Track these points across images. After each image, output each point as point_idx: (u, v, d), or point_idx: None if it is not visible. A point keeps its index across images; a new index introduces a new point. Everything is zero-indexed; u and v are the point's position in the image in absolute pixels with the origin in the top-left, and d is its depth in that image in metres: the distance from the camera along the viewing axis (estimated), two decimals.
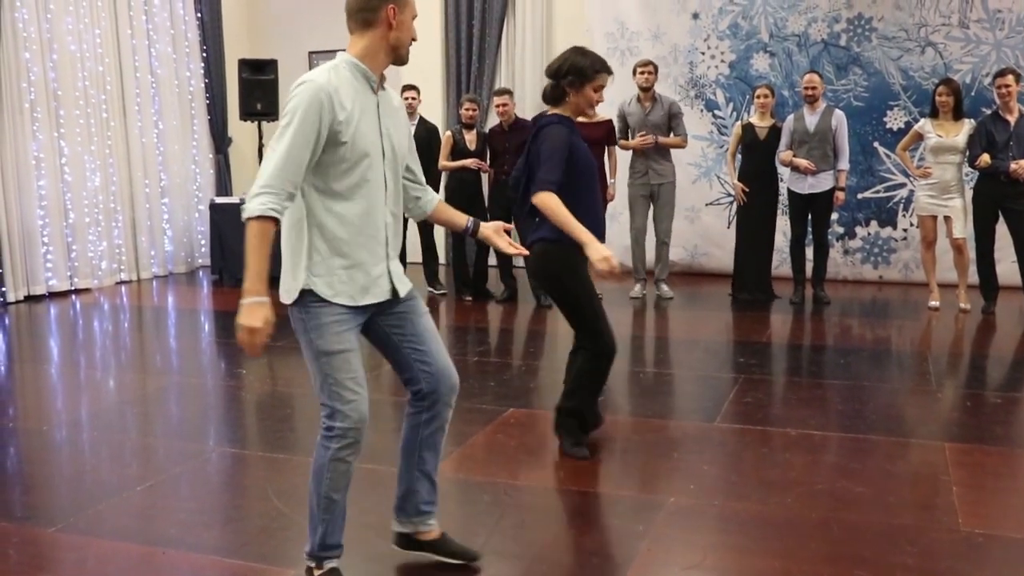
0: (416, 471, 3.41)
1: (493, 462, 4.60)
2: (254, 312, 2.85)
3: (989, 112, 7.97)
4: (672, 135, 8.59)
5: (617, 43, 10.18)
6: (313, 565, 3.23)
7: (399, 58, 3.25)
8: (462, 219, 3.56)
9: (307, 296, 3.04)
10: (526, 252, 3.90)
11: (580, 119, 8.54)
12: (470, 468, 4.52)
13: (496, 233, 3.54)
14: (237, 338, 2.88)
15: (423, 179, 3.54)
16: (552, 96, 4.45)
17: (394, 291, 3.20)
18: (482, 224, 3.54)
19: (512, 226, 3.66)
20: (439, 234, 9.94)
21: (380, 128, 3.15)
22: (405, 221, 3.67)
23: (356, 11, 3.12)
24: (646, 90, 8.51)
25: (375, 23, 3.11)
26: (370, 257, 3.12)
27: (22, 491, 4.35)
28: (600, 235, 4.32)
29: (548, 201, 4.21)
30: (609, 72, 4.41)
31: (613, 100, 8.98)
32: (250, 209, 2.86)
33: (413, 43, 3.26)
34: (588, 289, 4.51)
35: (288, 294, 3.07)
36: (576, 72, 4.28)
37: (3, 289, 8.83)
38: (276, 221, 2.89)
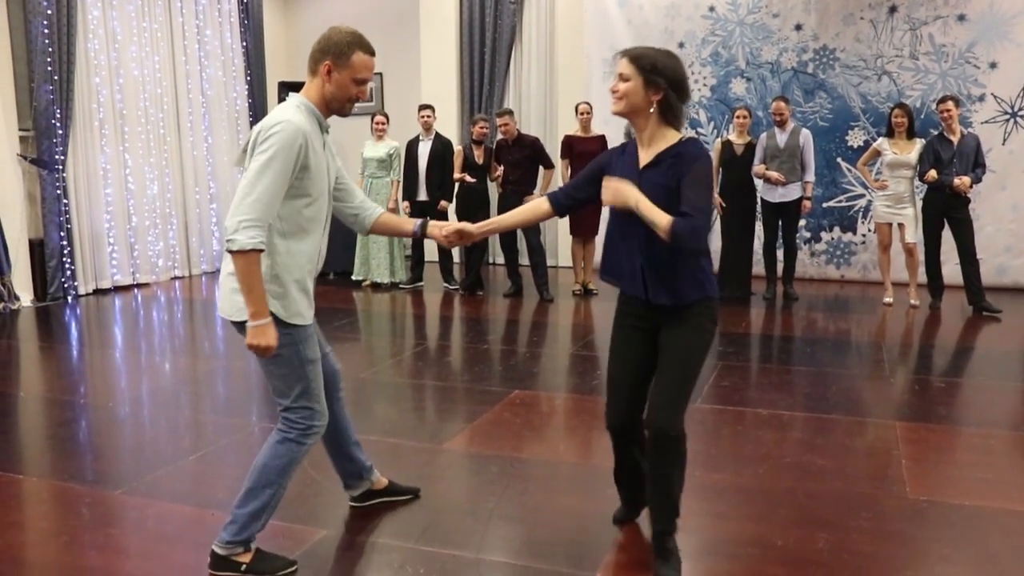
0: (346, 447, 3.57)
1: (500, 437, 4.61)
2: (267, 331, 2.87)
3: (936, 133, 7.95)
4: None
5: (612, 68, 10.12)
6: (242, 550, 3.13)
7: (337, 111, 3.12)
8: (408, 224, 3.48)
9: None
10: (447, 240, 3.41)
11: (578, 134, 8.68)
12: (480, 443, 4.54)
13: (438, 229, 3.44)
14: (252, 349, 2.88)
15: (360, 197, 3.43)
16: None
17: None
18: (429, 223, 3.46)
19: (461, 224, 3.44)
20: None
21: (327, 168, 3.12)
22: None
23: (309, 57, 3.07)
24: None
25: (316, 73, 3.04)
26: (311, 281, 3.15)
27: (92, 459, 4.38)
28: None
29: None
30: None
31: (606, 118, 8.96)
32: (241, 242, 2.78)
33: (358, 101, 3.12)
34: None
35: (254, 315, 2.89)
36: None
37: (75, 283, 8.87)
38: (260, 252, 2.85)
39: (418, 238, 3.40)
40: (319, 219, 3.09)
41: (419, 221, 3.46)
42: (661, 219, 2.82)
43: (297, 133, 2.87)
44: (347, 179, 3.37)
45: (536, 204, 3.40)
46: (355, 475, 3.65)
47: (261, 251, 2.83)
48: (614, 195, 2.90)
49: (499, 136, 8.80)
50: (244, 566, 3.11)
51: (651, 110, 2.99)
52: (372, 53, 3.08)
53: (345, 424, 3.55)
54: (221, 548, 3.11)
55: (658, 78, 2.96)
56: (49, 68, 8.35)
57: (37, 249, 8.66)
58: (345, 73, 3.01)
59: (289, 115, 2.91)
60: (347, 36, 3.02)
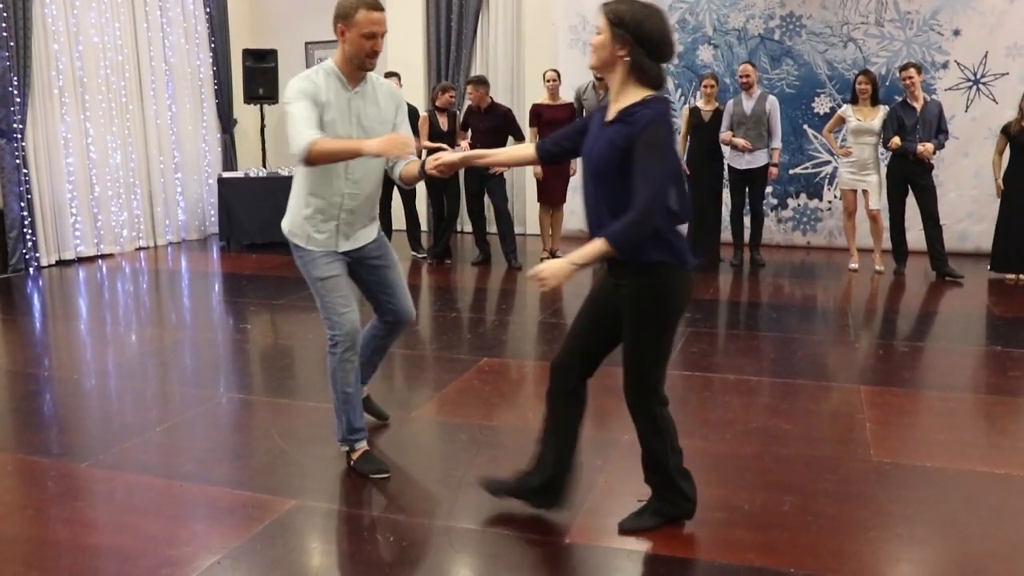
0: (366, 360, 3.95)
1: (469, 405, 4.62)
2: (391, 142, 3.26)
3: (900, 100, 8.00)
4: None
5: (579, 35, 10.11)
6: (347, 449, 3.75)
7: (359, 66, 3.48)
8: (415, 166, 3.54)
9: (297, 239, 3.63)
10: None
11: (546, 102, 8.64)
12: (449, 411, 4.54)
13: (431, 163, 3.39)
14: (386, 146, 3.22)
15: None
16: None
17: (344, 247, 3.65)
18: (425, 161, 3.45)
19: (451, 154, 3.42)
20: (420, 204, 9.88)
21: (350, 118, 3.49)
22: (391, 192, 3.88)
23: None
24: (600, 80, 8.47)
25: (337, 36, 3.47)
26: (328, 217, 3.57)
27: (57, 431, 4.34)
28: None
29: None
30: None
31: (574, 85, 8.94)
32: (301, 144, 3.23)
33: (375, 55, 3.45)
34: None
35: (288, 234, 3.66)
36: None
37: (37, 255, 8.73)
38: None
39: (424, 177, 3.55)
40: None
41: (420, 162, 3.53)
42: (596, 248, 2.78)
43: (305, 81, 3.41)
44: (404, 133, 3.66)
45: (523, 147, 3.47)
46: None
47: (315, 141, 3.23)
48: (548, 282, 2.81)
49: (468, 103, 8.73)
50: (352, 462, 3.72)
51: (618, 66, 2.87)
52: (378, 9, 3.41)
53: (373, 349, 3.97)
54: (341, 445, 3.79)
55: (624, 33, 2.81)
56: (5, 34, 8.15)
57: None
58: (354, 31, 3.39)
59: (304, 73, 3.46)
60: None
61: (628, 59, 2.84)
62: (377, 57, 3.48)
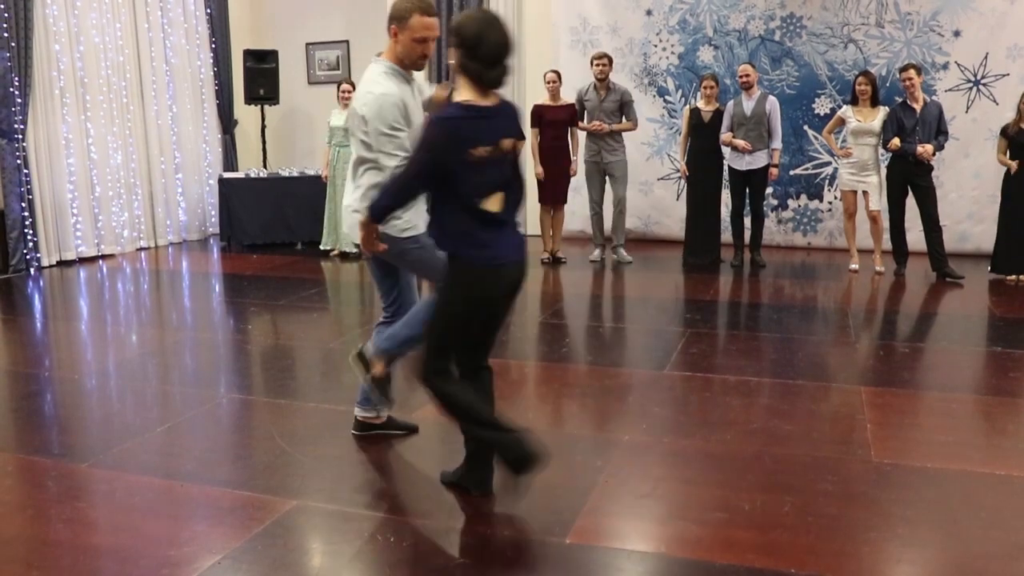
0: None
1: None
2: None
3: (900, 101, 8.00)
4: (624, 120, 8.58)
5: (580, 36, 10.11)
6: (383, 361, 3.74)
7: (410, 66, 3.59)
8: None
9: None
10: None
11: (547, 103, 8.64)
12: None
13: None
14: None
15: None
16: None
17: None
18: None
19: None
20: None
21: (418, 109, 3.63)
22: None
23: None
24: (601, 80, 8.48)
25: (390, 35, 3.53)
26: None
27: (58, 432, 4.34)
28: None
29: None
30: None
31: (575, 86, 8.94)
32: (382, 205, 3.23)
33: (425, 58, 3.57)
34: None
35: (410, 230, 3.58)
36: None
37: (38, 255, 8.73)
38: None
39: None
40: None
41: None
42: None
43: (388, 100, 3.45)
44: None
45: None
46: (367, 400, 4.03)
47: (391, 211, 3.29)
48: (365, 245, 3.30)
49: None
50: (371, 374, 3.77)
51: (457, 70, 3.12)
52: (431, 14, 3.50)
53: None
54: (372, 350, 3.78)
55: (453, 38, 3.06)
56: (6, 35, 8.16)
57: None
58: (406, 34, 3.48)
59: (380, 85, 3.46)
60: (407, 1, 3.47)
61: (458, 62, 3.10)
62: (428, 59, 3.60)
